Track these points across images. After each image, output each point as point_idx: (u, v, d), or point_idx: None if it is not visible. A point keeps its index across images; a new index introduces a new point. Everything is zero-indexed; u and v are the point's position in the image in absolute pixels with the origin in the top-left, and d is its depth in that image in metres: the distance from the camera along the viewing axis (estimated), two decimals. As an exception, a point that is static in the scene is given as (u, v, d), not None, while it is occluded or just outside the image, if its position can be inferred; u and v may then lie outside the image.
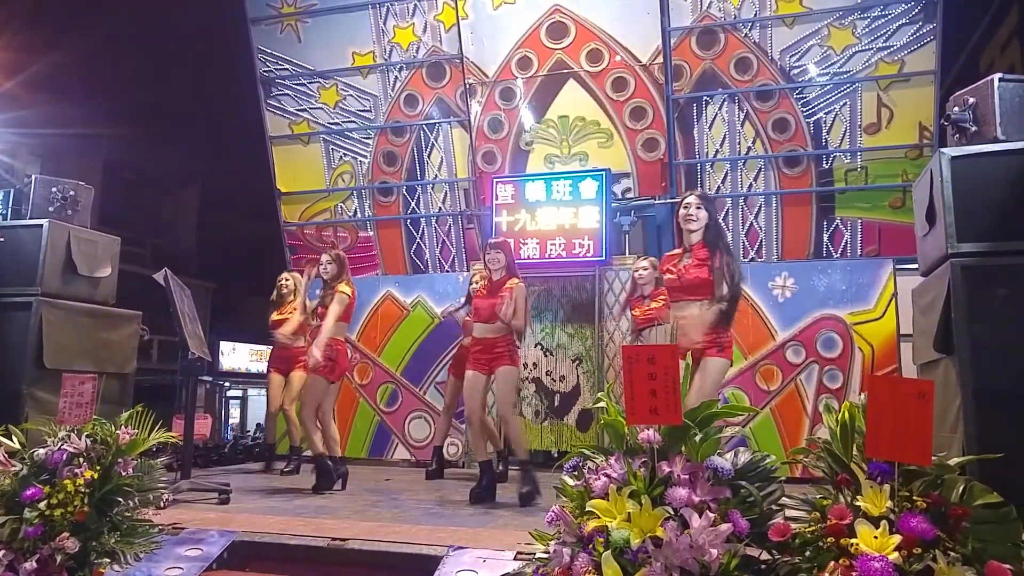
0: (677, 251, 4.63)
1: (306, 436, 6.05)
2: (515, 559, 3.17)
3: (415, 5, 9.03)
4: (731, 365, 4.58)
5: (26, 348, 4.48)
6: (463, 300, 6.87)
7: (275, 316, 7.28)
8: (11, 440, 3.46)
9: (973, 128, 3.35)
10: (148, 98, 18.44)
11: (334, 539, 3.65)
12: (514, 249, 7.82)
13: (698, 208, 4.46)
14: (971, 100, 3.38)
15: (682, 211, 4.50)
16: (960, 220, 3.15)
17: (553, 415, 7.86)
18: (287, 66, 9.54)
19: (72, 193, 4.98)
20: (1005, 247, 3.07)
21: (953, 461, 2.24)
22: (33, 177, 5.00)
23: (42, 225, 4.72)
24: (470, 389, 5.48)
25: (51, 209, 4.87)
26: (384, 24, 9.15)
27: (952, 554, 1.93)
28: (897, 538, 1.95)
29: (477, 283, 6.17)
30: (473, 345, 5.59)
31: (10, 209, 4.97)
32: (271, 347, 7.53)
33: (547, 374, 7.95)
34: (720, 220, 5.15)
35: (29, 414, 4.22)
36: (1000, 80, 3.28)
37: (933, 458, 2.11)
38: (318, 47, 9.42)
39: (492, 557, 3.26)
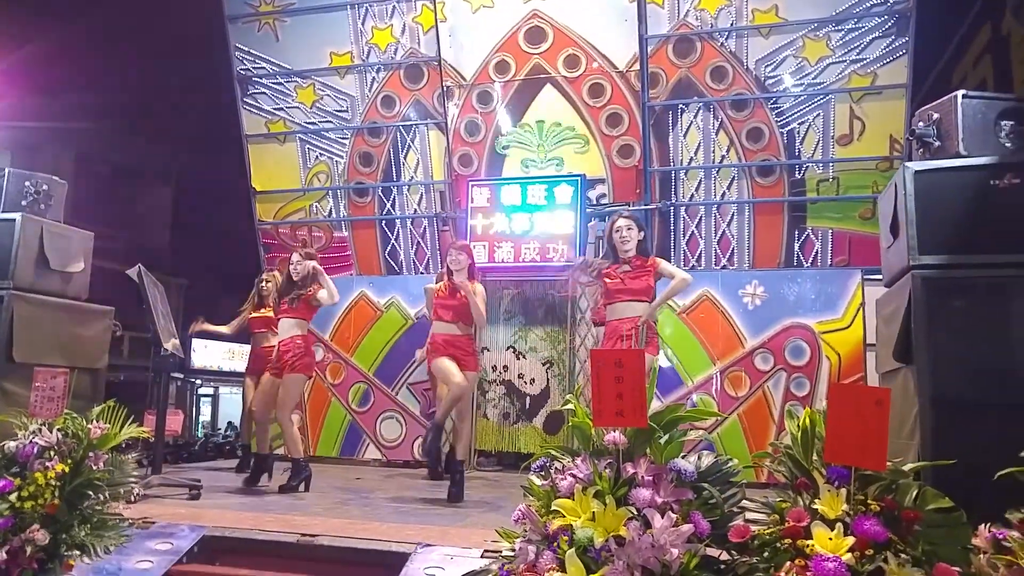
0: (613, 265, 5.08)
1: (286, 436, 5.79)
2: (482, 556, 3.21)
3: (394, 7, 9.03)
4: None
5: (-4, 341, 4.43)
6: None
7: (253, 314, 7.20)
8: (-20, 432, 3.46)
9: (937, 143, 3.42)
10: (123, 92, 18.18)
11: (304, 535, 3.68)
12: (488, 252, 7.92)
13: (629, 229, 5.00)
14: (935, 115, 3.46)
15: (615, 235, 5.02)
16: (922, 233, 3.22)
17: (524, 417, 7.91)
18: (264, 64, 9.50)
19: (45, 187, 4.94)
20: (964, 260, 3.16)
21: (907, 467, 2.31)
22: (7, 171, 4.92)
23: (15, 219, 4.67)
24: (444, 374, 5.50)
25: (24, 203, 4.82)
26: (362, 25, 9.15)
27: (903, 556, 1.99)
28: (851, 540, 2.02)
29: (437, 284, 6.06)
30: (438, 336, 5.61)
31: None
32: (251, 346, 7.31)
33: (518, 376, 8.00)
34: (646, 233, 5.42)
35: (-1, 406, 4.19)
36: (963, 96, 3.35)
37: (888, 463, 2.18)
38: (296, 46, 9.39)
39: (459, 554, 3.30)
